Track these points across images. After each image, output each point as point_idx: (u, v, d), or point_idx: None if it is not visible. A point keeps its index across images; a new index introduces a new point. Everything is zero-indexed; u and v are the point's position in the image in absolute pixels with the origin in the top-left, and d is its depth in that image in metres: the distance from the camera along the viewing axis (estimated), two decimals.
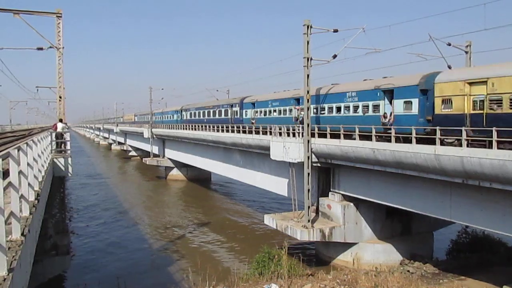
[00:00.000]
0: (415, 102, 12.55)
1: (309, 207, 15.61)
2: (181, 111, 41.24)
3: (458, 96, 10.31)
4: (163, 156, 44.79)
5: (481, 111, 9.82)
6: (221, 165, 29.68)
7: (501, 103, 9.32)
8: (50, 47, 20.44)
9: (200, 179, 40.93)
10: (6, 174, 5.51)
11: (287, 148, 16.98)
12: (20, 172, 6.01)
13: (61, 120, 19.17)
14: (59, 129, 17.68)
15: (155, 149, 47.16)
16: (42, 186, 9.14)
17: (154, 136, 45.38)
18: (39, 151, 9.79)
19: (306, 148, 15.79)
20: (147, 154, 56.05)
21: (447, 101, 10.78)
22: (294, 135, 17.11)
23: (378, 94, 14.37)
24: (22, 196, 6.16)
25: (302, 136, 16.46)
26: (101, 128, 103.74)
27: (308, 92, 15.63)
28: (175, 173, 42.61)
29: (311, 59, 15.40)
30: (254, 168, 24.66)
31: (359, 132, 14.13)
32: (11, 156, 5.45)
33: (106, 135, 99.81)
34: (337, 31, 15.26)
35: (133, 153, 67.19)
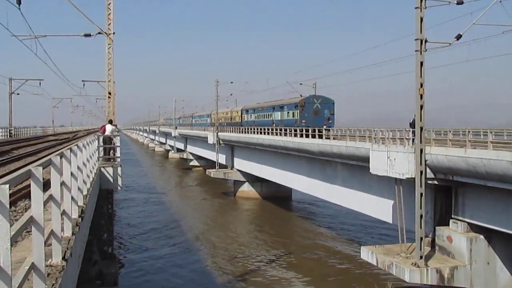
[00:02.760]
0: None
1: (421, 238, 15.21)
2: (242, 112, 48.32)
3: None
4: (232, 168, 46.67)
5: None
6: (304, 180, 30.50)
7: None
8: (99, 33, 23.22)
9: (277, 197, 42.09)
10: (46, 185, 5.74)
11: (393, 160, 16.95)
12: (62, 184, 6.61)
13: (110, 122, 21.43)
14: (107, 133, 19.31)
15: (222, 159, 49.30)
16: (87, 201, 10.04)
17: (221, 142, 47.84)
18: (84, 158, 10.71)
19: (418, 160, 15.48)
20: (211, 164, 58.49)
21: None
22: (401, 141, 17.38)
23: None
24: (64, 213, 6.68)
25: (413, 143, 16.22)
26: (157, 132, 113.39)
27: (421, 85, 15.31)
28: (247, 189, 44.33)
29: (425, 41, 15.27)
30: (346, 185, 24.96)
31: None
32: (53, 164, 5.81)
33: (163, 139, 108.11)
34: (462, 3, 15.02)
35: (194, 162, 71.40)
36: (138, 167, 76.64)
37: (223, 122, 56.12)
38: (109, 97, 23.13)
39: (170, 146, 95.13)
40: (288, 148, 30.75)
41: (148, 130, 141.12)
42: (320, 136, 26.23)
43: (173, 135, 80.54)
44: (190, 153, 72.82)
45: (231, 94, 51.43)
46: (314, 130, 27.39)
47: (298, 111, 35.05)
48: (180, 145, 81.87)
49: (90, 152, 13.53)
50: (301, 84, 41.54)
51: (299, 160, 31.25)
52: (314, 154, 27.01)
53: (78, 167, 9.10)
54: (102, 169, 16.21)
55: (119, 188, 16.38)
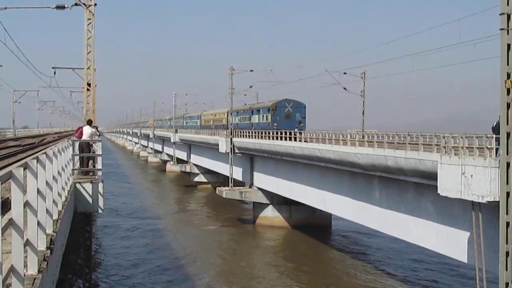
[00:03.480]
0: None
1: (507, 284, 15.25)
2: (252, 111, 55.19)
3: None
4: (251, 185, 47.17)
5: None
6: (347, 202, 30.69)
7: None
8: (76, 4, 23.57)
9: (312, 225, 42.21)
10: (5, 206, 5.97)
11: (469, 177, 17.05)
12: (26, 205, 6.81)
13: (89, 123, 21.66)
14: (85, 137, 19.70)
15: (238, 173, 49.95)
16: (58, 228, 10.26)
17: (236, 151, 48.28)
18: (55, 171, 11.00)
19: (504, 178, 15.37)
20: (223, 180, 59.20)
21: None
22: (480, 151, 17.27)
23: None
24: (28, 243, 6.84)
25: (497, 154, 16.11)
26: (151, 136, 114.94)
27: (508, 76, 15.16)
28: (270, 214, 44.60)
29: None
30: (407, 210, 25.02)
31: None
32: (14, 178, 5.90)
33: (159, 146, 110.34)
34: None
35: (200, 178, 72.08)
36: (125, 183, 77.59)
37: (211, 125, 66.75)
38: (88, 90, 23.45)
39: (169, 155, 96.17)
40: (324, 159, 31.11)
41: (139, 135, 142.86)
42: (370, 143, 26.36)
43: (172, 140, 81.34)
44: (195, 165, 73.47)
45: (250, 87, 51.56)
46: (361, 136, 28.80)
47: (271, 114, 45.82)
48: (182, 154, 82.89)
49: (62, 163, 13.81)
50: (345, 73, 41.65)
51: (339, 176, 31.44)
52: (362, 168, 27.19)
53: (47, 183, 9.29)
54: (78, 186, 16.57)
55: (100, 211, 16.72)
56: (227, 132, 50.43)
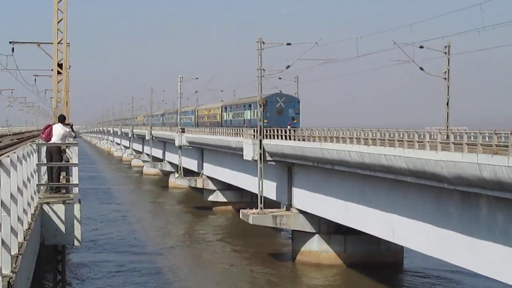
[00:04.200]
0: None
1: None
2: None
3: None
4: (289, 206, 47.32)
5: None
6: (427, 230, 30.62)
7: None
8: None
9: (375, 263, 42.15)
10: None
11: None
12: None
13: (61, 120, 21.97)
14: (55, 139, 20.04)
15: (270, 189, 50.18)
16: (18, 267, 10.47)
17: (268, 158, 48.39)
18: (13, 188, 11.22)
19: None
20: (250, 199, 60.04)
21: None
22: None
23: None
24: None
25: None
26: (147, 138, 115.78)
27: None
28: (316, 247, 44.50)
29: None
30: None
31: None
32: None
33: (158, 152, 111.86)
34: None
35: (217, 196, 71.93)
36: (112, 205, 78.34)
37: (206, 122, 75.59)
38: (59, 73, 23.61)
39: (172, 164, 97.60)
40: (395, 170, 31.01)
41: (131, 136, 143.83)
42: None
43: (177, 143, 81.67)
44: (210, 178, 73.59)
45: (287, 67, 51.45)
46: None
47: (261, 110, 50.73)
48: (191, 163, 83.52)
49: (23, 176, 14.07)
50: (421, 47, 41.27)
51: (418, 194, 31.31)
52: (448, 182, 26.95)
53: (2, 204, 9.60)
54: (46, 208, 16.84)
55: (76, 243, 16.92)
56: (254, 132, 50.77)
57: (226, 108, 60.15)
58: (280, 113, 56.15)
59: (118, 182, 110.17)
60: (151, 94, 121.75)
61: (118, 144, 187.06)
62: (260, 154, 48.23)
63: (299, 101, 57.90)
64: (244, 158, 50.66)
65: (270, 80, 56.44)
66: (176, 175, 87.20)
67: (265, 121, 52.35)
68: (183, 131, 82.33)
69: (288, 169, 47.90)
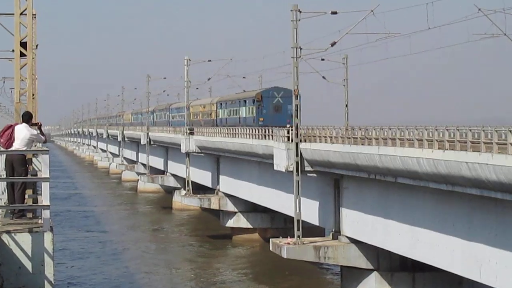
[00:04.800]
0: None
1: None
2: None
3: None
4: (336, 233, 47.36)
5: None
6: None
7: None
8: None
9: None
10: None
11: None
12: None
13: (26, 119, 22.03)
14: (19, 145, 20.03)
15: (310, 210, 50.19)
16: None
17: (308, 167, 48.39)
18: None
19: None
20: (283, 225, 61.56)
21: None
22: None
23: None
24: None
25: None
26: (143, 141, 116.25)
27: None
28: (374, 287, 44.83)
29: None
30: None
31: None
32: None
33: (156, 162, 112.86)
34: None
35: (239, 220, 71.20)
36: (94, 232, 79.25)
37: (199, 121, 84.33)
38: (22, 55, 23.78)
39: (175, 177, 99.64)
40: (481, 183, 30.62)
41: (121, 140, 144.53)
42: None
43: (183, 149, 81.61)
44: (228, 195, 73.82)
45: (333, 44, 51.32)
46: None
47: (255, 106, 58.49)
48: (202, 176, 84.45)
49: None
50: None
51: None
52: None
53: None
54: (6, 239, 16.71)
55: (47, 286, 16.69)
56: (289, 133, 50.74)
57: (221, 104, 64.84)
58: (277, 110, 61.94)
59: (104, 203, 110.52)
60: (148, 83, 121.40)
61: (103, 150, 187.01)
62: (297, 162, 48.23)
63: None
64: (275, 168, 50.83)
65: (310, 62, 56.53)
66: (183, 192, 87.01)
67: (261, 119, 59.67)
68: (191, 133, 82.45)
69: (335, 182, 48.08)
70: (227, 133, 72.65)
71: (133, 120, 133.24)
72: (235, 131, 70.54)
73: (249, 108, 63.33)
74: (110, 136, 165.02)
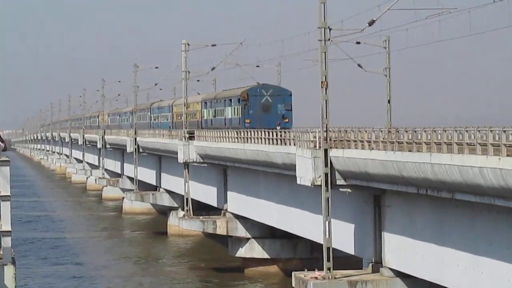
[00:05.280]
0: None
1: None
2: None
3: None
4: (378, 265, 47.39)
5: None
6: None
7: None
8: None
9: None
10: None
11: None
12: None
13: None
14: None
15: (344, 236, 50.48)
16: None
17: (341, 181, 48.34)
18: None
19: None
20: (309, 254, 61.45)
21: None
22: None
23: None
24: None
25: None
26: (132, 149, 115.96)
27: None
28: None
29: None
30: None
31: None
32: None
33: (147, 174, 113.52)
34: None
35: (253, 248, 70.39)
36: (66, 264, 79.32)
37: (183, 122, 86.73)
38: None
39: (170, 194, 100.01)
40: None
41: (100, 148, 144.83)
42: None
43: (181, 159, 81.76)
44: (237, 216, 73.76)
45: (370, 23, 51.29)
46: None
47: (241, 106, 62.30)
48: (205, 193, 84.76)
49: None
50: None
51: None
52: None
53: None
54: None
55: None
56: (316, 137, 50.74)
57: (206, 103, 68.40)
58: (266, 110, 65.41)
59: (80, 228, 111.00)
60: (135, 76, 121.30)
61: (78, 160, 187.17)
62: (326, 174, 48.33)
63: (291, 94, 66.05)
64: (299, 182, 50.97)
65: (341, 46, 56.58)
66: (181, 213, 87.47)
67: (247, 121, 63.27)
68: (191, 137, 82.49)
69: (375, 200, 48.30)
70: (237, 137, 72.43)
71: (110, 122, 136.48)
72: (247, 134, 70.44)
73: (234, 108, 67.05)
74: (87, 142, 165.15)
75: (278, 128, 53.91)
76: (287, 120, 62.74)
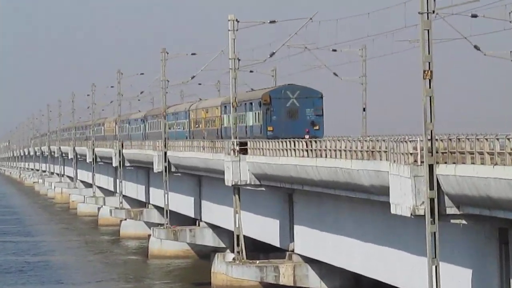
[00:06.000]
0: None
1: None
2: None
3: None
4: None
5: None
6: None
7: None
8: None
9: None
10: None
11: None
12: None
13: None
14: None
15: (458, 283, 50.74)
16: None
17: (455, 208, 48.15)
18: None
19: None
20: None
21: None
22: None
23: None
24: None
25: None
26: (161, 168, 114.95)
27: None
28: None
29: None
30: None
31: None
32: None
33: (183, 201, 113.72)
34: None
35: None
36: None
37: (203, 131, 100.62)
38: None
39: (215, 229, 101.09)
40: None
41: (117, 166, 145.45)
42: None
43: (230, 181, 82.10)
44: (307, 259, 73.38)
45: None
46: None
47: (262, 111, 66.24)
48: (262, 228, 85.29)
49: None
50: None
51: None
52: None
53: None
54: None
55: None
56: (417, 149, 50.68)
57: (226, 107, 70.60)
58: (292, 115, 68.10)
59: (90, 278, 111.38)
60: (118, 81, 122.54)
61: (86, 184, 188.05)
62: (431, 200, 48.40)
63: (321, 96, 68.47)
64: (393, 211, 51.51)
65: (449, 20, 56.74)
66: (230, 255, 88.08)
67: (269, 128, 67.57)
68: (242, 150, 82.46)
69: (501, 235, 48.28)
70: (306, 149, 72.24)
71: (118, 131, 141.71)
72: (319, 145, 70.45)
73: (255, 113, 69.81)
74: (98, 159, 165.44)
75: (306, 137, 55.85)
76: (317, 128, 65.58)
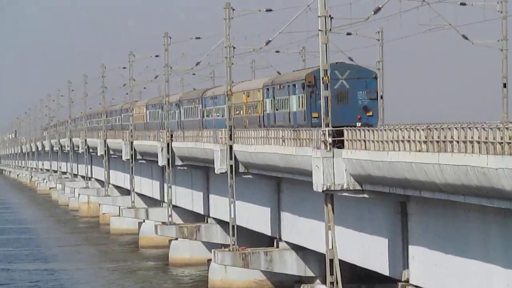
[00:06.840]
0: None
1: None
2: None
3: None
4: None
5: None
6: None
7: None
8: None
9: None
10: None
11: None
12: None
13: None
14: None
15: None
16: None
17: None
18: None
19: None
20: None
21: None
22: None
23: None
24: None
25: None
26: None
27: None
28: None
29: None
30: None
31: None
32: None
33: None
34: None
35: None
36: None
37: (244, 118, 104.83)
38: None
39: (304, 252, 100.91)
40: None
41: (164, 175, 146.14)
42: None
43: (319, 186, 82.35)
44: None
45: None
46: None
47: (305, 95, 70.04)
48: (375, 251, 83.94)
49: None
50: None
51: None
52: None
53: None
54: None
55: None
56: None
57: (268, 90, 75.20)
58: (341, 99, 70.13)
59: None
60: (129, 64, 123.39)
61: (121, 191, 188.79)
62: None
63: (376, 77, 71.16)
64: None
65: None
66: (321, 287, 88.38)
67: (314, 115, 69.84)
68: (337, 143, 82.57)
69: None
70: (425, 141, 71.38)
71: (150, 118, 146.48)
72: (439, 134, 69.53)
73: (298, 97, 71.93)
74: (139, 156, 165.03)
75: (358, 124, 59.61)
76: (371, 114, 67.70)
